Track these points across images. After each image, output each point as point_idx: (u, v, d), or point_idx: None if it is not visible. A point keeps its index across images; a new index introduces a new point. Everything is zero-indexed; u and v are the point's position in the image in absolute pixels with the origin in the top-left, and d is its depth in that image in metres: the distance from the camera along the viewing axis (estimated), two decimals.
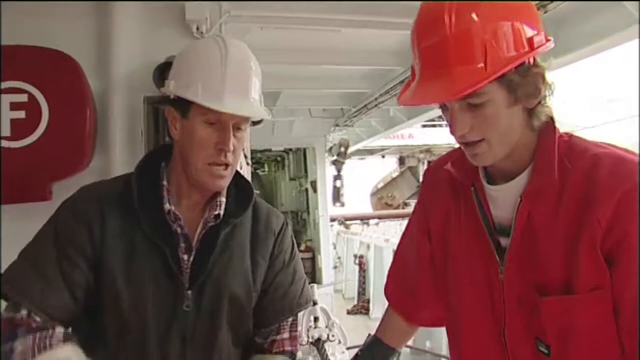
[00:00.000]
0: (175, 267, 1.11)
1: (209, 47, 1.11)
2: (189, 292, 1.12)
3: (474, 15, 0.88)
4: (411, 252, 1.26)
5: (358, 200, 14.10)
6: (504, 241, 1.02)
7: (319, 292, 5.36)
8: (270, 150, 6.98)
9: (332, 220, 8.20)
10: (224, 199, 1.19)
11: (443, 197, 1.16)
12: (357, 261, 6.67)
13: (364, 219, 10.72)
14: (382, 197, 16.00)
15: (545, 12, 2.31)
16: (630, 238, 0.86)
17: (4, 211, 1.82)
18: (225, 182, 1.15)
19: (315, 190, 6.02)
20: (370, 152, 14.88)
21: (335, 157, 6.23)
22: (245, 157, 2.22)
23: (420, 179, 16.58)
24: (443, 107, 0.98)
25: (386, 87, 4.15)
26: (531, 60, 0.90)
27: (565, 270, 0.92)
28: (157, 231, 1.11)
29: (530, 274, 0.97)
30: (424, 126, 14.09)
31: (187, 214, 1.16)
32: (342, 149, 5.94)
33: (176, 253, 1.12)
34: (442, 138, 15.28)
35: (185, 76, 1.09)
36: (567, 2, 2.32)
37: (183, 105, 1.10)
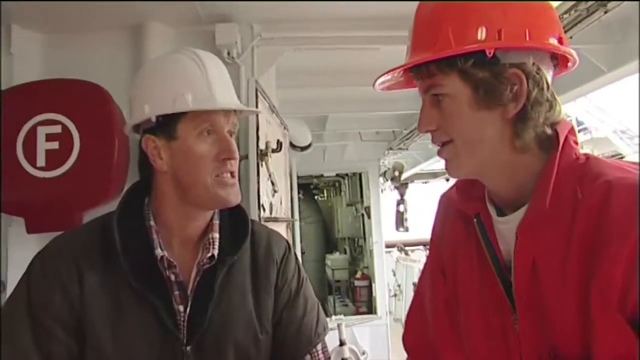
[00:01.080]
0: (170, 322, 0.99)
1: (179, 59, 1.06)
2: (188, 348, 1.00)
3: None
4: (427, 294, 1.08)
5: (422, 226, 13.70)
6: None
7: (371, 323, 5.17)
8: (322, 176, 6.91)
9: (391, 246, 7.96)
10: (216, 235, 1.08)
11: (452, 229, 1.03)
12: (415, 289, 6.39)
13: (426, 244, 10.36)
14: None
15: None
16: None
17: (36, 239, 1.83)
18: (238, 194, 1.07)
19: (369, 216, 5.85)
20: (434, 175, 14.45)
21: (393, 182, 6.05)
22: (273, 184, 2.14)
23: None
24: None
25: None
26: (503, 57, 0.79)
27: (580, 331, 0.74)
28: (147, 282, 0.99)
29: (545, 329, 0.80)
30: None
31: (180, 257, 1.05)
32: (396, 173, 5.75)
33: (170, 305, 1.00)
34: None
35: (163, 93, 1.02)
36: None
37: (168, 127, 1.02)
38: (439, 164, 10.69)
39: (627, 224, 0.70)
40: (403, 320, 7.08)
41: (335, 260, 7.61)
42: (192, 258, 1.07)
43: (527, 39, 0.79)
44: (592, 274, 0.72)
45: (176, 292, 1.03)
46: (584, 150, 0.90)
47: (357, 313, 6.14)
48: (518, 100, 0.80)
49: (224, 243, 1.08)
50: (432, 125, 0.86)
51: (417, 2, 0.90)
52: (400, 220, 7.10)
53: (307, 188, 8.20)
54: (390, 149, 5.45)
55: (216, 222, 1.11)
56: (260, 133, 2.02)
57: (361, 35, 2.46)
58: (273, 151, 2.06)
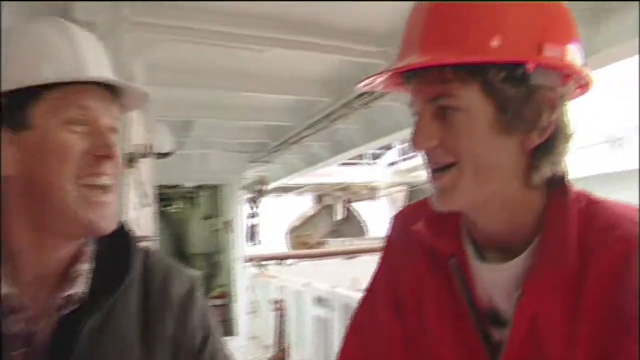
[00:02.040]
0: None
1: (35, 26, 0.76)
2: None
3: None
4: (375, 333, 0.88)
5: (273, 239, 13.67)
6: (498, 334, 0.74)
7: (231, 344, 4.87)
8: (180, 187, 6.40)
9: (248, 260, 7.71)
10: (85, 267, 0.75)
11: (415, 263, 0.85)
12: (274, 306, 6.22)
13: (281, 259, 10.31)
14: (299, 235, 15.74)
15: None
16: None
17: None
18: (112, 217, 0.74)
19: (229, 231, 5.53)
20: (287, 189, 14.68)
21: (252, 195, 5.82)
22: (146, 196, 1.77)
23: (337, 217, 16.71)
24: (415, 110, 0.73)
25: (310, 121, 3.86)
26: (537, 76, 0.65)
27: None
28: None
29: None
30: (343, 164, 14.25)
31: (34, 299, 0.72)
32: (260, 187, 5.55)
33: None
34: (360, 176, 15.57)
35: (11, 66, 0.69)
36: None
37: (16, 112, 0.68)
38: (301, 179, 10.80)
39: None
40: (261, 339, 6.88)
41: None
42: (47, 297, 0.73)
43: (566, 57, 0.66)
44: (615, 350, 0.61)
45: (20, 350, 0.69)
46: None
47: None
48: (546, 129, 0.67)
49: (97, 279, 0.75)
50: (433, 141, 0.68)
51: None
52: (253, 234, 6.91)
53: (158, 199, 7.54)
54: (254, 161, 5.23)
55: (88, 248, 0.78)
56: (129, 133, 1.65)
57: (246, 33, 2.22)
58: (143, 156, 1.69)
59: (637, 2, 1.68)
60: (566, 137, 0.69)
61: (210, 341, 0.84)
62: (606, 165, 10.11)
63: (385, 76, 0.73)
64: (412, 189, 16.59)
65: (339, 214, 16.71)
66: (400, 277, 0.87)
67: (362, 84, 0.77)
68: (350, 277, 11.29)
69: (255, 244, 7.14)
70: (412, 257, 0.86)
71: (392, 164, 15.42)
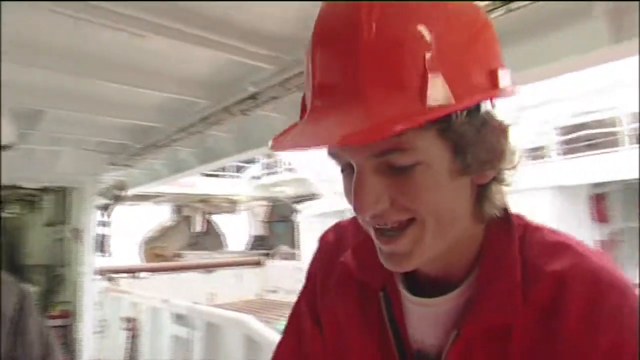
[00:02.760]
0: None
1: None
2: None
3: (407, 17, 0.53)
4: (299, 346, 0.84)
5: (125, 251, 12.63)
6: None
7: None
8: (20, 188, 5.51)
9: (97, 273, 6.95)
10: None
11: (340, 292, 0.79)
12: (125, 325, 5.63)
13: (133, 272, 9.55)
14: (154, 247, 14.79)
15: None
16: None
17: None
18: None
19: (77, 240, 4.88)
20: (144, 197, 13.74)
21: (107, 202, 5.24)
22: None
23: (196, 229, 16.10)
24: (341, 162, 0.62)
25: (183, 124, 3.58)
26: (488, 107, 0.58)
27: None
28: None
29: None
30: (204, 175, 13.78)
31: None
32: (118, 193, 5.02)
33: None
34: (222, 189, 15.22)
35: None
36: None
37: None
38: (160, 187, 10.11)
39: (591, 331, 0.56)
40: None
41: None
42: None
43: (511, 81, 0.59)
44: None
45: None
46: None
47: None
48: (500, 161, 0.60)
49: None
50: (384, 203, 0.58)
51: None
52: (102, 244, 6.26)
53: None
54: (113, 163, 4.71)
55: None
56: None
57: (127, 13, 1.94)
58: None
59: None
60: (511, 165, 0.62)
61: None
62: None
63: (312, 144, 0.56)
64: (274, 204, 16.72)
65: (198, 226, 16.10)
66: (323, 304, 0.81)
67: (272, 144, 0.62)
68: (208, 292, 10.92)
69: (104, 256, 6.50)
70: (335, 284, 0.80)
71: (255, 177, 15.38)
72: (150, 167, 5.32)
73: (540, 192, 7.79)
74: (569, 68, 2.32)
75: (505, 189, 0.64)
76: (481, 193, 0.62)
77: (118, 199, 5.01)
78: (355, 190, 0.57)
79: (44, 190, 5.64)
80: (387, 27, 0.52)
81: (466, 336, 0.62)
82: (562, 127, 8.62)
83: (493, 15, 1.93)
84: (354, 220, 0.82)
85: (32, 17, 2.06)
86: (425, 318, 0.68)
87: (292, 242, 15.59)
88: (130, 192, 6.19)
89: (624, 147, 8.02)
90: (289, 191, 13.54)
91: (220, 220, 17.31)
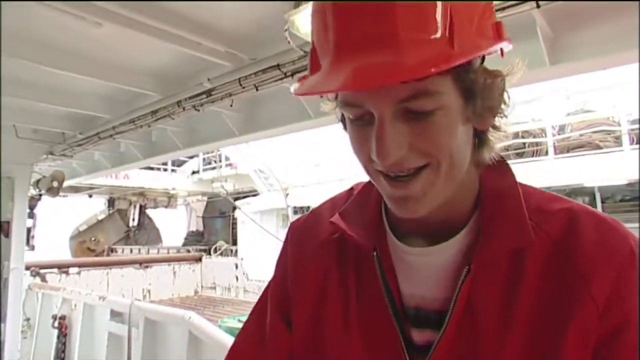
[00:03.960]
0: None
1: None
2: None
3: None
4: (262, 343, 0.81)
5: (53, 245, 11.96)
6: (420, 336, 0.68)
7: None
8: None
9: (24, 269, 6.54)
10: None
11: (319, 268, 0.78)
12: (56, 324, 5.34)
13: (63, 267, 9.07)
14: (85, 241, 14.11)
15: None
16: (631, 327, 0.60)
17: None
18: None
19: (7, 235, 4.58)
20: (76, 189, 13.07)
21: (41, 192, 4.96)
22: None
23: (131, 223, 15.52)
24: (349, 120, 0.62)
25: (131, 116, 3.48)
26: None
27: None
28: None
29: None
30: (141, 168, 13.31)
31: None
32: (55, 184, 4.76)
33: None
34: (158, 182, 14.76)
35: None
36: None
37: None
38: (93, 179, 9.62)
39: (607, 251, 0.62)
40: None
41: None
42: None
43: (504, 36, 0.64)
44: (568, 303, 0.61)
45: None
46: None
47: None
48: (500, 109, 0.65)
49: None
50: (404, 150, 0.58)
51: None
52: (26, 237, 5.92)
53: None
54: (52, 153, 4.47)
55: None
56: None
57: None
58: None
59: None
60: (506, 112, 0.67)
61: None
62: None
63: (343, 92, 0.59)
64: (212, 199, 16.42)
65: (133, 220, 15.53)
66: (297, 289, 0.80)
67: (300, 87, 0.62)
68: (143, 288, 10.57)
69: (29, 250, 6.13)
70: (314, 261, 0.79)
71: (194, 172, 15.05)
72: (89, 159, 5.10)
73: None
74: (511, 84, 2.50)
75: (503, 135, 0.68)
76: (481, 138, 0.66)
77: (52, 190, 4.75)
78: (377, 138, 0.58)
79: None
80: None
81: (477, 270, 0.64)
82: None
83: None
84: (331, 200, 0.85)
85: None
86: (426, 269, 0.69)
87: (230, 238, 15.41)
88: (68, 183, 5.89)
89: (548, 156, 8.61)
90: (229, 187, 13.36)
91: (157, 215, 16.79)
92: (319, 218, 0.83)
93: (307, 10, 1.68)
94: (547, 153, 8.77)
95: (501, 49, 0.62)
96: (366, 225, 0.73)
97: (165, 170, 14.52)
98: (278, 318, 0.80)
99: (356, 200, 0.78)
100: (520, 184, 0.70)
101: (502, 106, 0.65)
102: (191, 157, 14.62)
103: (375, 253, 0.71)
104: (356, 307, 0.72)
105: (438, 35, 0.55)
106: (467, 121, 0.62)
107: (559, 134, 8.89)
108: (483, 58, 0.62)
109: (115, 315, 4.49)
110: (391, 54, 0.53)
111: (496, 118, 0.65)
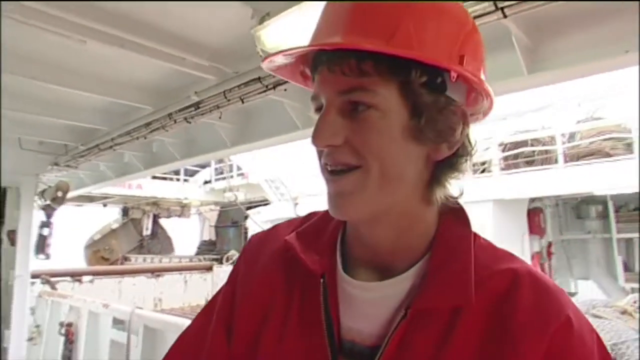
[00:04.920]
0: None
1: None
2: None
3: None
4: (201, 348, 0.79)
5: (68, 254, 12.19)
6: None
7: None
8: None
9: (35, 277, 6.69)
10: None
11: (266, 284, 0.77)
12: (63, 330, 5.46)
13: (76, 275, 9.23)
14: (99, 249, 14.32)
15: None
16: None
17: None
18: None
19: (13, 243, 4.72)
20: (90, 199, 13.33)
21: (47, 202, 5.10)
22: None
23: (144, 232, 15.70)
24: (317, 102, 0.68)
25: (127, 128, 3.58)
26: (453, 88, 0.64)
27: None
28: None
29: None
30: (154, 177, 13.51)
31: None
32: (60, 194, 4.89)
33: None
34: (171, 192, 14.95)
35: None
36: None
37: None
38: (107, 189, 9.82)
39: (543, 315, 0.61)
40: None
41: None
42: None
43: (483, 75, 0.66)
44: None
45: None
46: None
47: None
48: (456, 143, 0.65)
49: None
50: (338, 138, 0.63)
51: None
52: (42, 246, 6.06)
53: None
54: (56, 164, 4.61)
55: None
56: None
57: (66, 18, 1.97)
58: None
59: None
60: (469, 156, 0.68)
61: None
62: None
63: (295, 54, 0.66)
64: (224, 209, 16.56)
65: (146, 229, 15.73)
66: (241, 302, 0.79)
67: (265, 62, 0.69)
68: (154, 297, 10.69)
69: (44, 258, 6.27)
70: (261, 276, 0.79)
71: (207, 182, 15.21)
72: (94, 169, 5.23)
73: (482, 205, 8.13)
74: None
75: (458, 176, 0.68)
76: (434, 173, 0.66)
77: (57, 200, 4.88)
78: (317, 122, 0.64)
79: None
80: None
81: (414, 316, 0.63)
82: (504, 144, 9.03)
83: None
84: (288, 222, 0.86)
85: None
86: (367, 304, 0.68)
87: (242, 247, 15.44)
88: (76, 193, 6.04)
89: (557, 164, 8.52)
90: (240, 196, 13.48)
91: (170, 224, 16.97)
92: (275, 236, 0.83)
93: (272, 25, 1.75)
94: (556, 161, 8.69)
95: (454, 75, 0.62)
96: (320, 250, 0.74)
97: (178, 180, 14.68)
98: (221, 330, 0.79)
99: (315, 224, 0.79)
100: (477, 236, 0.70)
101: (462, 139, 0.66)
102: (203, 167, 14.80)
103: (322, 280, 0.71)
104: (294, 329, 0.71)
105: (381, 34, 0.61)
106: (413, 137, 0.63)
107: (569, 142, 8.79)
108: (443, 84, 0.63)
109: (117, 322, 4.58)
110: (339, 37, 0.62)
111: (460, 160, 0.67)
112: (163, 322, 4.12)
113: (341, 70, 0.61)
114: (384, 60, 0.59)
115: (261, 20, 1.73)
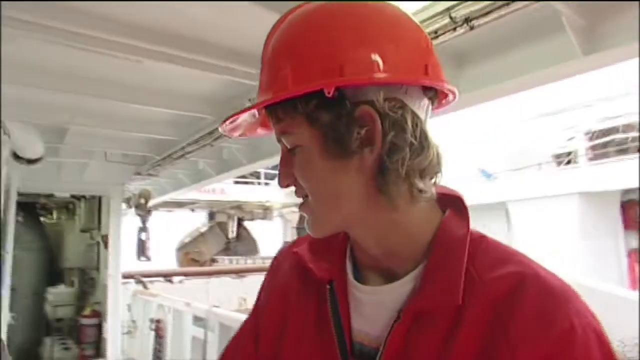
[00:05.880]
0: None
1: None
2: None
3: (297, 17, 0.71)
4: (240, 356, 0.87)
5: (164, 255, 13.12)
6: None
7: None
8: (53, 196, 5.95)
9: (129, 277, 7.31)
10: None
11: (284, 291, 0.83)
12: (153, 326, 5.93)
13: (167, 276, 9.88)
14: (189, 252, 15.28)
15: None
16: None
17: None
18: None
19: (106, 246, 5.22)
20: (179, 204, 14.26)
21: (136, 209, 5.57)
22: None
23: (230, 235, 16.44)
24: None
25: (195, 137, 3.83)
26: (352, 96, 0.63)
27: None
28: None
29: None
30: (236, 182, 14.15)
31: None
32: (142, 201, 5.33)
33: None
34: (254, 195, 15.57)
35: None
36: None
37: None
38: (189, 194, 10.44)
39: (545, 319, 0.59)
40: None
41: (59, 294, 6.51)
42: None
43: (379, 70, 0.63)
44: None
45: None
46: None
47: (80, 358, 5.31)
48: (372, 145, 0.64)
49: None
50: (290, 179, 0.71)
51: None
52: (142, 249, 6.63)
53: (32, 208, 6.94)
54: (139, 173, 5.04)
55: None
56: None
57: (122, 41, 2.18)
58: None
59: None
60: (402, 149, 0.64)
61: None
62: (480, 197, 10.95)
63: (240, 117, 0.73)
64: None
65: (232, 232, 16.50)
66: (264, 310, 0.86)
67: (222, 126, 0.75)
68: (239, 297, 11.18)
69: (145, 260, 6.86)
70: (280, 285, 0.85)
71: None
72: (173, 177, 5.63)
73: (567, 198, 7.64)
74: (540, 81, 2.39)
75: (426, 178, 0.66)
76: (376, 178, 0.65)
77: (140, 207, 5.32)
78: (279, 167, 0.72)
79: (78, 198, 6.05)
80: (268, 39, 0.72)
81: (406, 319, 0.65)
82: (590, 132, 8.41)
83: (454, 34, 2.01)
84: (304, 237, 0.90)
85: (46, 49, 2.33)
86: (371, 307, 0.71)
87: None
88: (157, 200, 6.53)
89: None
90: None
91: (255, 227, 17.63)
92: (296, 247, 0.86)
93: None
94: None
95: (329, 90, 0.62)
96: (329, 258, 0.78)
97: (259, 183, 15.22)
98: (250, 339, 0.85)
99: (327, 236, 0.84)
100: (486, 237, 0.70)
101: (398, 143, 0.64)
102: None
103: (329, 286, 0.74)
104: (310, 334, 0.75)
105: (270, 84, 0.67)
106: (334, 157, 0.65)
107: None
108: (340, 97, 0.63)
109: (197, 320, 4.90)
110: (260, 95, 0.69)
111: (392, 158, 0.64)
112: (237, 320, 4.35)
113: (272, 120, 0.70)
114: (287, 104, 0.65)
115: None
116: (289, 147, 0.69)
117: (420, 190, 0.65)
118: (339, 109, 0.64)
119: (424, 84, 0.67)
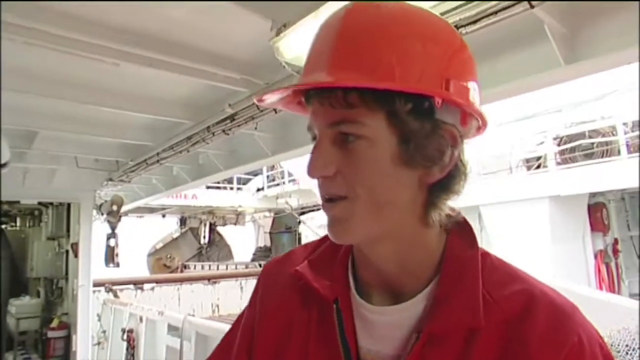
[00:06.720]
0: None
1: None
2: None
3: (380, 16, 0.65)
4: None
5: (133, 262, 12.78)
6: None
7: None
8: (18, 203, 5.71)
9: (99, 285, 7.08)
10: None
11: (282, 306, 0.79)
12: (125, 336, 5.74)
13: (138, 283, 9.64)
14: (161, 258, 14.97)
15: None
16: None
17: None
18: None
19: (76, 254, 5.03)
20: (150, 210, 13.96)
21: (108, 216, 5.40)
22: None
23: (202, 241, 16.21)
24: (312, 134, 0.70)
25: (170, 142, 3.73)
26: (442, 112, 0.63)
27: None
28: None
29: None
30: (208, 187, 13.94)
31: None
32: (114, 207, 5.17)
33: None
34: (226, 200, 15.38)
35: None
36: None
37: None
38: (166, 200, 10.22)
39: (556, 338, 0.61)
40: None
41: (23, 306, 6.24)
42: None
43: (469, 96, 0.66)
44: None
45: None
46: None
47: None
48: (447, 165, 0.64)
49: None
50: (331, 169, 0.64)
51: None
52: (111, 256, 6.43)
53: None
54: (110, 179, 4.88)
55: None
56: None
57: (98, 43, 2.09)
58: None
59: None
60: (463, 176, 0.67)
61: None
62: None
63: (285, 92, 0.69)
64: (278, 215, 16.83)
65: (204, 238, 16.25)
66: (261, 326, 0.80)
67: (260, 99, 0.72)
68: (212, 303, 11.00)
69: (113, 267, 6.67)
70: (280, 301, 0.80)
71: (259, 189, 15.50)
72: (146, 183, 5.48)
73: (537, 202, 7.80)
74: (524, 89, 2.41)
75: (454, 197, 0.68)
76: (429, 196, 0.66)
77: (112, 213, 5.16)
78: (311, 153, 0.65)
79: (45, 205, 5.83)
80: (359, 20, 0.65)
81: (426, 339, 0.64)
82: (559, 137, 8.62)
83: None
84: (304, 246, 0.87)
85: (19, 51, 2.22)
86: (384, 327, 0.69)
87: None
88: (132, 205, 6.36)
89: (620, 156, 8.01)
90: (293, 202, 13.64)
91: (227, 232, 17.43)
92: (291, 260, 0.84)
93: (289, 36, 1.77)
94: (619, 152, 8.18)
95: (439, 101, 0.62)
96: (332, 276, 0.75)
97: (232, 188, 15.06)
98: (243, 352, 0.80)
99: (326, 251, 0.80)
100: (489, 255, 0.71)
101: (453, 160, 0.65)
102: (255, 175, 15.09)
103: (335, 305, 0.72)
104: (314, 351, 0.73)
105: (367, 66, 0.62)
106: (403, 164, 0.63)
107: (632, 132, 8.25)
108: (431, 108, 0.63)
109: (172, 329, 4.76)
110: (324, 74, 0.63)
111: (454, 181, 0.66)
112: (213, 329, 4.24)
113: (330, 103, 0.63)
114: (368, 91, 0.61)
115: (278, 32, 1.76)
116: (350, 132, 0.63)
117: (463, 219, 0.71)
118: (426, 120, 0.63)
119: (486, 122, 0.70)
